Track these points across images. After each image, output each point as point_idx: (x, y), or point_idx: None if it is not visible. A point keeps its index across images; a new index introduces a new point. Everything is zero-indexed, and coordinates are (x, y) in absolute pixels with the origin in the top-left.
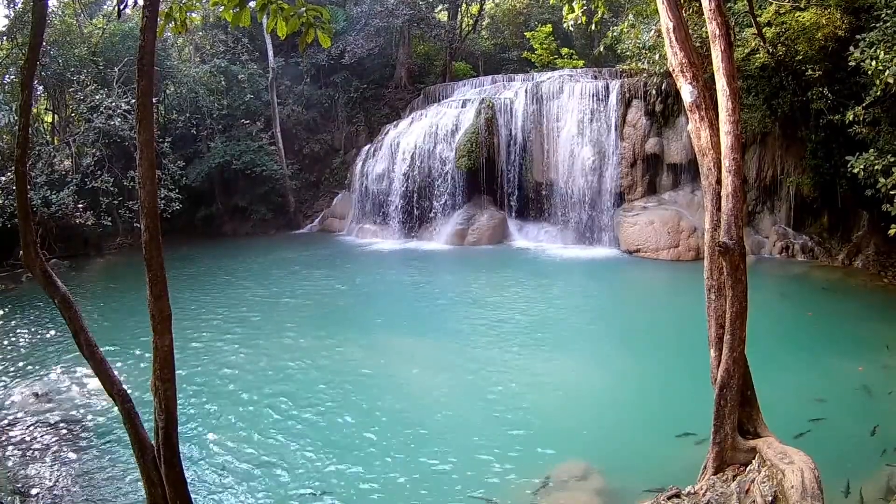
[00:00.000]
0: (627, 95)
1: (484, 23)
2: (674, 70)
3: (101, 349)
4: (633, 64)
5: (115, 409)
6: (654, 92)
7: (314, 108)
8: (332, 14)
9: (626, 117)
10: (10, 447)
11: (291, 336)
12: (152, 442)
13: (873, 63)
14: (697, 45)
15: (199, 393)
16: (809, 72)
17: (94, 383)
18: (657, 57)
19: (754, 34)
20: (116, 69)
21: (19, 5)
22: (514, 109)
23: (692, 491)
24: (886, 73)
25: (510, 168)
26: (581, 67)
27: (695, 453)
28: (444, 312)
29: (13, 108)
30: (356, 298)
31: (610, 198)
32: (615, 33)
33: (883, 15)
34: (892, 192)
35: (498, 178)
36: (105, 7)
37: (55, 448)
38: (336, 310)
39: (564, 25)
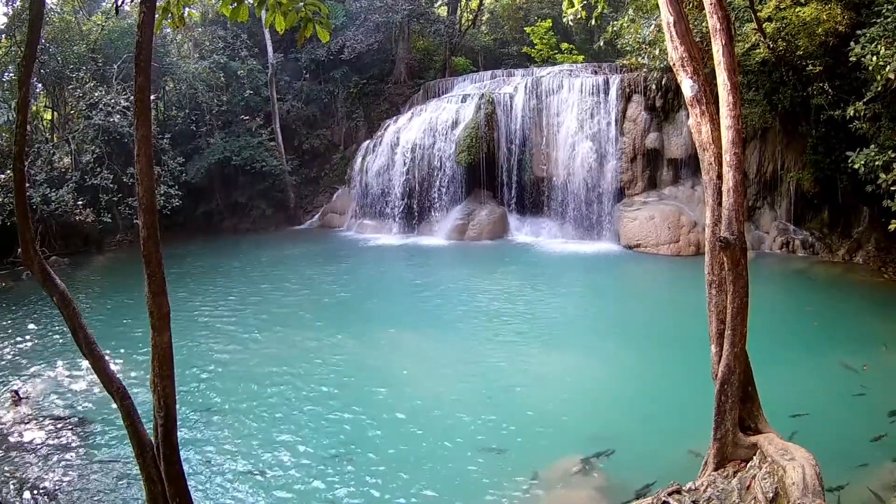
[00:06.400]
0: (627, 90)
1: (483, 18)
2: (674, 64)
3: (100, 346)
4: (633, 59)
5: (115, 406)
6: (654, 87)
7: (314, 104)
8: (331, 9)
9: (626, 112)
10: (9, 445)
11: (290, 332)
12: (151, 439)
13: (874, 58)
14: (698, 39)
15: (199, 390)
16: (810, 67)
17: (93, 380)
18: (657, 52)
19: (755, 29)
20: (115, 66)
21: (17, 3)
22: (513, 104)
23: (693, 487)
24: (887, 69)
25: (510, 163)
26: (581, 62)
27: (696, 449)
28: (443, 308)
29: (12, 106)
30: (356, 294)
31: (610, 193)
32: (615, 28)
33: (884, 10)
34: (892, 188)
35: (498, 173)
36: (103, 4)
37: (54, 446)
38: (335, 306)
39: (564, 20)
